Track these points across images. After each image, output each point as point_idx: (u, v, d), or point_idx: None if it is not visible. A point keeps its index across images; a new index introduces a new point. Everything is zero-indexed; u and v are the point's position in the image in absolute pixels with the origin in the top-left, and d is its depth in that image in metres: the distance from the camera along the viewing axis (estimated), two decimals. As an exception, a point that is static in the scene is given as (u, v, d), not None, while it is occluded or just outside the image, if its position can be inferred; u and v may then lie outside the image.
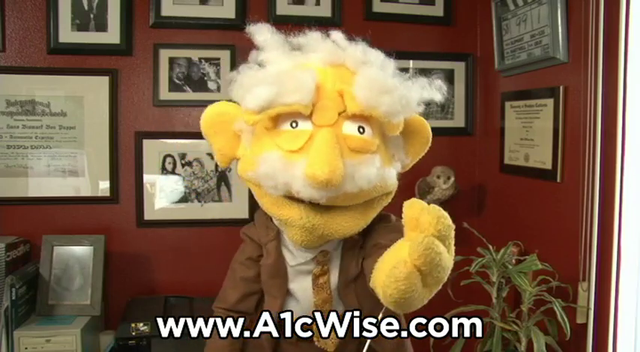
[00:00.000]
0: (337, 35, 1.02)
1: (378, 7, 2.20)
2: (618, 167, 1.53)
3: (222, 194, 2.12)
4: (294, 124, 0.94)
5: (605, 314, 1.57)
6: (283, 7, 2.13)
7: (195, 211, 2.12)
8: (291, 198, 0.95)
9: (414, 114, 1.02)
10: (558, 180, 1.77)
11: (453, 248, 0.76)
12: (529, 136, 1.94)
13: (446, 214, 0.74)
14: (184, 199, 2.12)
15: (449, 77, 2.29)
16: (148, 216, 2.09)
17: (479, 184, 2.32)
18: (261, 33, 1.00)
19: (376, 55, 1.01)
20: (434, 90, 1.02)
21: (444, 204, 2.19)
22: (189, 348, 1.67)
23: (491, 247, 1.75)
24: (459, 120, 2.31)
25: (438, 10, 2.25)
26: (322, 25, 2.27)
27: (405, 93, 0.96)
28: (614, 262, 1.54)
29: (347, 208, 0.97)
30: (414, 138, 1.07)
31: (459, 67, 2.30)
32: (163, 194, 2.11)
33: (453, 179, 2.10)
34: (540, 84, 1.88)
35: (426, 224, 0.72)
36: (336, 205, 0.95)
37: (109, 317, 2.02)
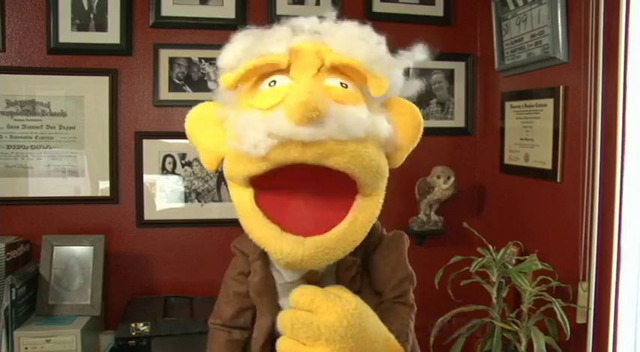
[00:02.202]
0: (312, 18, 1.02)
1: (378, 7, 2.20)
2: (618, 167, 1.53)
3: (222, 194, 2.12)
4: (272, 83, 0.88)
5: (605, 314, 1.57)
6: (283, 7, 2.13)
7: (195, 211, 2.12)
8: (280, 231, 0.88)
9: (397, 85, 0.97)
10: (558, 180, 1.77)
11: (328, 308, 0.81)
12: (529, 136, 1.94)
13: (301, 290, 0.83)
14: (184, 199, 2.12)
15: (449, 77, 2.30)
16: (147, 216, 2.09)
17: (479, 184, 2.32)
18: (240, 32, 0.97)
19: (352, 24, 0.99)
20: (417, 52, 1.00)
21: (444, 204, 2.19)
22: (189, 348, 1.68)
23: (491, 247, 1.75)
24: (459, 120, 2.31)
25: (438, 10, 2.25)
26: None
27: (381, 40, 0.94)
28: (614, 262, 1.54)
29: (327, 236, 0.87)
30: (404, 121, 0.97)
31: (459, 67, 2.30)
32: (163, 194, 2.11)
33: (453, 179, 2.10)
34: (540, 84, 1.88)
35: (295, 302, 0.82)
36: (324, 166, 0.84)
37: (109, 317, 2.02)
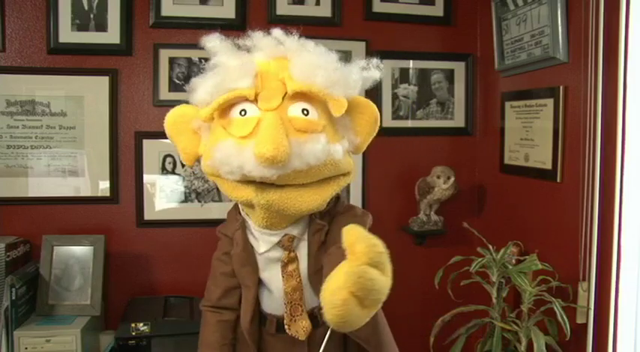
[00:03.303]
0: (276, 32, 1.10)
1: (378, 7, 2.20)
2: (618, 167, 1.53)
3: (222, 194, 2.12)
4: (242, 112, 1.01)
5: (605, 314, 1.57)
6: (283, 7, 2.13)
7: (195, 211, 2.12)
8: (248, 181, 1.01)
9: (355, 93, 1.07)
10: (558, 180, 1.77)
11: (388, 270, 0.80)
12: (529, 136, 1.94)
13: (377, 242, 0.79)
14: (184, 199, 2.12)
15: (449, 77, 2.30)
16: (147, 216, 2.09)
17: (479, 184, 2.32)
18: (211, 40, 1.12)
19: (312, 44, 1.09)
20: (372, 68, 1.08)
21: (444, 204, 2.19)
22: (189, 348, 1.68)
23: (491, 247, 1.75)
24: (459, 120, 2.31)
25: (438, 10, 2.25)
26: (322, 25, 2.29)
27: (339, 67, 1.04)
28: (614, 262, 1.55)
29: (302, 185, 1.02)
30: (361, 118, 1.11)
31: (459, 67, 2.30)
32: (163, 194, 2.11)
33: (453, 179, 2.10)
34: (540, 84, 1.88)
35: (359, 253, 0.77)
36: (291, 184, 1.01)
37: (109, 317, 2.03)
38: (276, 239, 1.12)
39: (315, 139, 0.99)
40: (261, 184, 1.00)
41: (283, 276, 1.14)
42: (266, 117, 0.98)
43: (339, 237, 1.01)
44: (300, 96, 1.01)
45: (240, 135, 0.99)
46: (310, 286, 1.14)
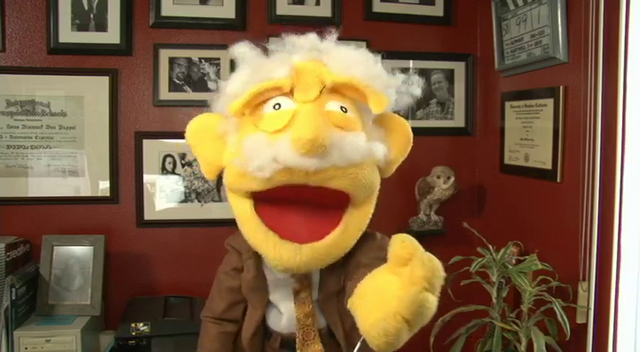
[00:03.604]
0: (311, 36, 1.04)
1: (378, 7, 2.20)
2: (618, 167, 1.53)
3: (222, 194, 2.12)
4: (276, 106, 0.94)
5: (605, 314, 1.57)
6: (283, 7, 2.13)
7: (195, 211, 2.12)
8: (273, 239, 0.94)
9: (393, 96, 1.02)
10: (558, 180, 1.77)
11: (438, 291, 0.75)
12: (529, 136, 1.94)
13: (437, 264, 0.73)
14: (184, 199, 2.12)
15: (449, 77, 2.30)
16: (147, 216, 2.09)
17: (479, 184, 2.32)
18: (240, 47, 1.03)
19: (346, 45, 1.04)
20: (413, 84, 1.04)
21: (444, 204, 2.19)
22: (189, 348, 1.68)
23: (491, 247, 1.75)
24: (459, 120, 2.31)
25: (438, 10, 2.25)
26: (322, 25, 2.28)
27: (379, 61, 0.99)
28: (614, 262, 1.54)
29: (322, 242, 0.95)
30: (395, 136, 1.06)
31: (459, 67, 2.30)
32: (163, 194, 2.11)
33: (453, 179, 2.10)
34: (540, 84, 1.88)
35: (419, 278, 0.71)
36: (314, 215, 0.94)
37: (109, 317, 2.02)
38: (289, 273, 1.07)
39: (356, 135, 0.93)
40: (286, 244, 0.93)
41: (295, 303, 1.10)
42: (304, 108, 0.91)
43: (364, 261, 0.98)
44: (338, 94, 0.95)
45: (273, 130, 0.90)
46: (320, 311, 1.11)
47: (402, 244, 0.77)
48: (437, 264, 0.73)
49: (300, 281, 1.08)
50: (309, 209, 0.97)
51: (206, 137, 1.03)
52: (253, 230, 0.97)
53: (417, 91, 1.04)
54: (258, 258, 1.09)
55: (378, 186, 1.03)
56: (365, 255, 1.02)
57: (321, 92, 0.94)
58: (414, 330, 0.76)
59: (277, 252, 0.94)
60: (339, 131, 0.90)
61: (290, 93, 0.94)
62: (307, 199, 0.96)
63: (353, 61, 0.96)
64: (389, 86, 0.99)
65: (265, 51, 1.03)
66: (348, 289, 0.96)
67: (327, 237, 0.96)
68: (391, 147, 1.04)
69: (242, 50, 1.03)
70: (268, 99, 0.95)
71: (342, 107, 0.95)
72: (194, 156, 1.07)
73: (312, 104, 0.91)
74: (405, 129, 1.08)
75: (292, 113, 0.90)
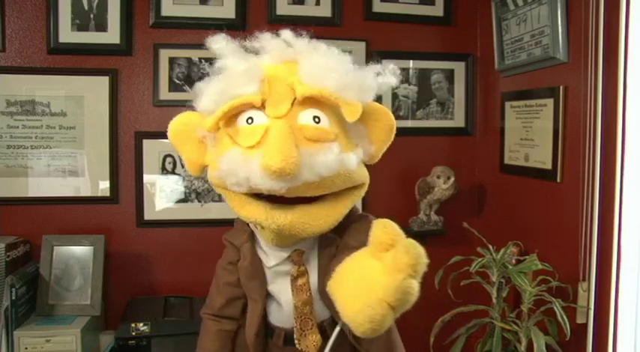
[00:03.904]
0: (286, 33, 1.03)
1: (378, 7, 2.20)
2: (618, 167, 1.53)
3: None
4: (249, 120, 0.95)
5: (605, 314, 1.57)
6: (283, 7, 2.13)
7: (195, 211, 2.12)
8: (256, 196, 0.96)
9: (370, 99, 1.01)
10: (558, 180, 1.77)
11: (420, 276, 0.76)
12: (529, 136, 1.94)
13: (420, 250, 0.74)
14: (184, 199, 2.12)
15: (449, 77, 2.30)
16: (147, 216, 2.09)
17: (479, 184, 2.32)
18: (216, 41, 1.04)
19: (324, 46, 1.02)
20: (388, 74, 1.02)
21: (444, 204, 2.19)
22: (189, 348, 1.68)
23: (491, 247, 1.75)
24: (459, 120, 2.31)
25: (438, 10, 2.25)
26: (322, 25, 2.29)
27: (352, 69, 0.98)
28: (614, 262, 1.55)
29: (313, 205, 0.96)
30: (376, 126, 1.05)
31: (459, 67, 2.30)
32: (163, 194, 2.11)
33: (453, 179, 2.10)
34: (540, 84, 1.88)
35: (404, 264, 0.72)
36: (301, 196, 0.94)
37: (109, 317, 2.03)
38: (285, 254, 1.08)
39: (328, 149, 0.93)
40: (271, 202, 0.95)
41: (293, 290, 1.09)
42: (274, 126, 0.91)
43: (352, 243, 0.98)
44: (311, 102, 0.95)
45: (247, 145, 0.92)
46: (321, 299, 1.10)
47: (384, 229, 0.78)
48: (420, 250, 0.74)
49: (298, 265, 1.08)
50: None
51: (187, 138, 1.06)
52: (245, 201, 0.98)
53: (392, 80, 1.02)
54: (252, 241, 1.11)
55: (363, 178, 1.03)
56: (353, 237, 1.03)
57: (292, 104, 0.95)
58: (397, 315, 0.78)
59: (269, 213, 0.94)
60: (310, 146, 0.91)
61: (262, 106, 0.95)
62: None
63: (325, 70, 0.95)
64: (364, 90, 0.99)
65: (242, 46, 1.04)
66: (330, 270, 0.96)
67: (318, 200, 0.97)
68: (373, 139, 1.05)
69: (219, 45, 1.04)
70: (241, 113, 0.97)
71: (315, 117, 0.95)
72: (179, 153, 1.10)
73: (283, 121, 0.92)
74: (386, 117, 1.06)
75: (264, 129, 0.92)
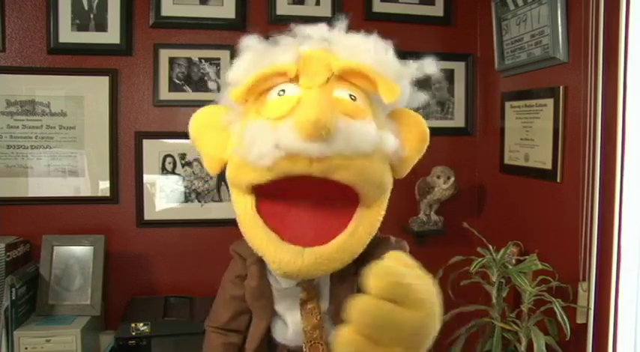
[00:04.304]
0: (321, 25, 0.99)
1: (378, 7, 2.20)
2: (618, 167, 1.53)
3: (222, 194, 2.12)
4: (281, 93, 0.88)
5: (605, 314, 1.57)
6: (283, 7, 2.13)
7: (195, 211, 2.12)
8: (268, 228, 0.88)
9: (406, 87, 0.95)
10: (558, 180, 1.77)
11: (420, 305, 0.68)
12: (529, 136, 1.94)
13: (400, 271, 0.66)
14: (184, 199, 2.12)
15: (449, 77, 2.30)
16: (147, 216, 2.09)
17: (479, 184, 2.32)
18: (248, 38, 0.97)
19: (359, 35, 0.97)
20: (426, 64, 0.96)
21: (444, 204, 2.19)
22: (189, 348, 1.68)
23: (491, 247, 1.75)
24: (459, 120, 2.31)
25: (438, 10, 2.25)
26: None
27: (388, 47, 0.93)
28: (614, 262, 1.55)
29: (329, 246, 0.87)
30: (410, 132, 0.97)
31: (459, 67, 2.30)
32: (163, 194, 2.11)
33: (453, 179, 2.10)
34: (540, 84, 1.88)
35: (372, 286, 0.65)
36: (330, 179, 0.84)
37: (109, 317, 2.02)
38: (295, 281, 0.99)
39: (366, 124, 0.85)
40: (293, 247, 0.86)
41: (302, 314, 1.01)
42: (308, 93, 0.84)
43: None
44: (347, 81, 0.88)
45: (276, 116, 0.84)
46: (332, 324, 1.00)
47: (376, 262, 0.69)
48: (398, 269, 0.67)
49: (307, 291, 1.00)
50: (315, 208, 0.90)
51: (209, 129, 0.97)
52: (253, 230, 0.91)
53: (432, 69, 0.96)
54: (261, 263, 1.02)
55: (389, 186, 0.95)
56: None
57: (328, 79, 0.88)
58: (389, 344, 0.67)
59: (277, 254, 0.87)
60: (346, 119, 0.83)
61: (295, 79, 0.88)
62: (312, 197, 0.90)
63: (362, 48, 0.90)
64: (401, 76, 0.92)
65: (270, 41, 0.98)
66: (343, 295, 0.89)
67: (332, 242, 0.88)
68: (405, 144, 0.95)
69: (249, 42, 0.97)
70: (273, 87, 0.89)
71: (350, 95, 0.88)
72: (197, 151, 1.01)
73: (319, 89, 0.85)
74: (420, 125, 0.99)
75: (297, 99, 0.84)
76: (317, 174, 0.82)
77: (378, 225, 0.95)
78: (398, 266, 0.68)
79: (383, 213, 0.96)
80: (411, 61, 0.96)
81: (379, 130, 0.88)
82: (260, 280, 1.03)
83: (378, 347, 0.66)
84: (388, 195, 0.96)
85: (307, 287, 1.00)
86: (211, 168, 0.98)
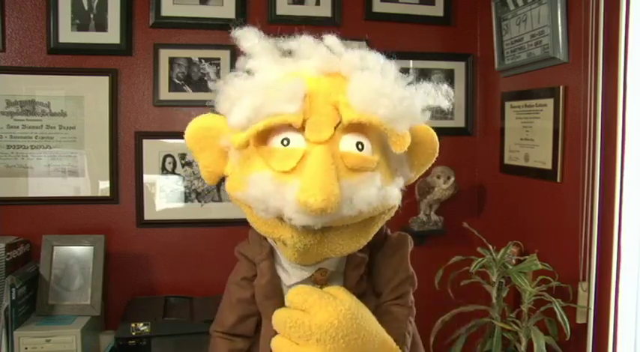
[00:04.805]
0: (332, 39, 0.92)
1: (378, 7, 2.20)
2: (618, 167, 1.53)
3: (222, 194, 2.12)
4: (285, 142, 0.84)
5: (605, 314, 1.57)
6: (283, 7, 2.13)
7: (195, 211, 2.12)
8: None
9: (419, 123, 0.93)
10: (558, 180, 1.77)
11: (320, 307, 0.82)
12: (529, 136, 1.94)
13: (303, 289, 0.84)
14: (184, 199, 2.12)
15: (449, 77, 2.29)
16: (147, 216, 2.09)
17: (479, 184, 2.32)
18: (248, 38, 0.92)
19: (375, 59, 0.91)
20: (440, 95, 0.93)
21: (444, 204, 2.19)
22: (189, 348, 1.68)
23: (491, 247, 1.75)
24: (459, 120, 2.31)
25: (438, 10, 2.25)
26: (322, 25, 2.28)
27: (407, 95, 0.88)
28: (614, 262, 1.55)
29: (344, 226, 0.87)
30: (418, 150, 0.95)
31: (459, 67, 2.30)
32: (163, 194, 2.11)
33: (453, 179, 2.10)
34: (540, 84, 1.88)
35: (288, 301, 0.84)
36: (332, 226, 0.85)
37: (109, 317, 2.03)
38: (307, 273, 0.97)
39: (370, 181, 0.83)
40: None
41: None
42: (314, 153, 0.80)
43: (385, 278, 0.94)
44: (355, 127, 0.84)
45: (281, 170, 0.82)
46: None
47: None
48: (286, 314, 0.85)
49: (320, 285, 0.97)
50: None
51: (207, 144, 0.94)
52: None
53: (445, 103, 0.94)
54: (272, 258, 1.01)
55: (398, 198, 0.92)
56: (388, 285, 1.00)
57: (335, 128, 0.84)
58: (305, 345, 0.82)
59: (295, 231, 0.84)
60: (351, 177, 0.82)
61: (301, 127, 0.83)
62: None
63: (378, 95, 0.83)
64: (415, 118, 0.90)
65: (274, 43, 0.93)
66: (357, 292, 0.93)
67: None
68: (414, 164, 0.96)
69: (252, 43, 0.92)
70: (276, 130, 0.85)
71: (358, 144, 0.84)
72: (195, 158, 0.99)
73: (324, 147, 0.81)
74: (431, 139, 0.99)
75: (302, 153, 0.81)
76: (318, 228, 0.83)
77: (391, 213, 0.94)
78: (305, 287, 0.84)
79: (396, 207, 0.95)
80: (426, 84, 0.93)
81: (384, 185, 0.86)
82: (271, 276, 1.01)
83: (298, 348, 0.80)
84: (400, 196, 0.95)
85: (320, 280, 0.98)
86: (209, 180, 0.97)
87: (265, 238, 1.00)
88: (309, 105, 0.84)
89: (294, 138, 0.83)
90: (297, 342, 0.81)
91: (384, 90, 0.84)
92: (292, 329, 0.81)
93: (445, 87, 0.93)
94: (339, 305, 0.83)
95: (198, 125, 0.94)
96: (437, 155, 1.00)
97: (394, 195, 0.88)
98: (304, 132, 0.83)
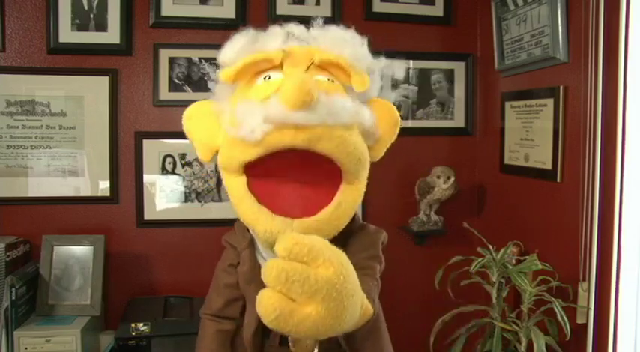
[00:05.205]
0: (294, 26, 1.07)
1: (378, 7, 2.20)
2: (618, 167, 1.53)
3: (222, 194, 2.12)
4: (266, 78, 0.98)
5: (605, 314, 1.57)
6: (283, 7, 2.13)
7: (195, 211, 2.12)
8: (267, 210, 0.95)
9: (376, 77, 1.04)
10: (558, 180, 1.77)
11: (328, 264, 0.73)
12: (529, 136, 1.94)
13: (301, 238, 0.74)
14: (184, 199, 2.12)
15: (449, 77, 2.30)
16: (147, 216, 2.09)
17: (479, 184, 2.32)
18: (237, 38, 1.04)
19: (338, 28, 1.07)
20: (397, 67, 1.07)
21: (444, 204, 2.19)
22: (189, 348, 1.68)
23: (491, 247, 1.75)
24: (459, 120, 2.31)
25: (438, 10, 2.25)
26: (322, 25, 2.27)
27: (365, 44, 1.03)
28: (614, 262, 1.55)
29: (317, 216, 0.95)
30: (383, 118, 1.05)
31: (459, 67, 2.30)
32: (163, 194, 2.11)
33: (453, 179, 2.10)
34: (540, 84, 1.88)
35: (281, 251, 0.73)
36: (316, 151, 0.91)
37: (109, 317, 2.03)
38: None
39: (343, 98, 0.94)
40: (281, 217, 0.94)
41: None
42: (293, 72, 0.95)
43: (353, 261, 0.98)
44: (325, 70, 0.99)
45: (263, 97, 0.93)
46: None
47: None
48: (297, 237, 0.75)
49: None
50: (302, 185, 0.98)
51: (201, 119, 1.05)
52: (246, 206, 0.98)
53: (400, 73, 1.07)
54: (252, 248, 1.10)
55: (368, 163, 1.03)
56: (356, 255, 1.01)
57: (309, 67, 0.98)
58: (303, 303, 0.72)
59: (269, 225, 0.94)
60: (327, 92, 0.93)
61: (280, 66, 0.98)
62: (299, 175, 0.97)
63: (342, 41, 1.01)
64: (373, 71, 1.03)
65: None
66: None
67: (319, 214, 0.96)
68: (379, 126, 1.04)
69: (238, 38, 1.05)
70: (260, 73, 0.99)
71: (329, 79, 0.99)
72: (191, 144, 1.07)
73: (300, 70, 0.96)
74: (392, 111, 1.08)
75: (281, 81, 0.94)
76: (301, 144, 0.89)
77: (360, 200, 1.03)
78: (304, 236, 0.76)
79: (364, 189, 1.04)
80: (382, 58, 1.06)
81: (356, 104, 0.96)
82: (252, 264, 1.09)
83: (296, 305, 0.72)
84: (367, 173, 1.03)
85: None
86: (203, 155, 1.05)
87: (248, 229, 1.09)
88: (287, 53, 0.98)
89: (275, 75, 0.97)
90: (294, 299, 0.72)
91: (346, 37, 1.02)
92: (295, 283, 0.71)
93: (399, 62, 1.07)
94: (341, 257, 0.79)
95: (192, 106, 1.07)
96: (399, 127, 1.08)
97: (367, 116, 0.98)
98: (283, 70, 0.97)
